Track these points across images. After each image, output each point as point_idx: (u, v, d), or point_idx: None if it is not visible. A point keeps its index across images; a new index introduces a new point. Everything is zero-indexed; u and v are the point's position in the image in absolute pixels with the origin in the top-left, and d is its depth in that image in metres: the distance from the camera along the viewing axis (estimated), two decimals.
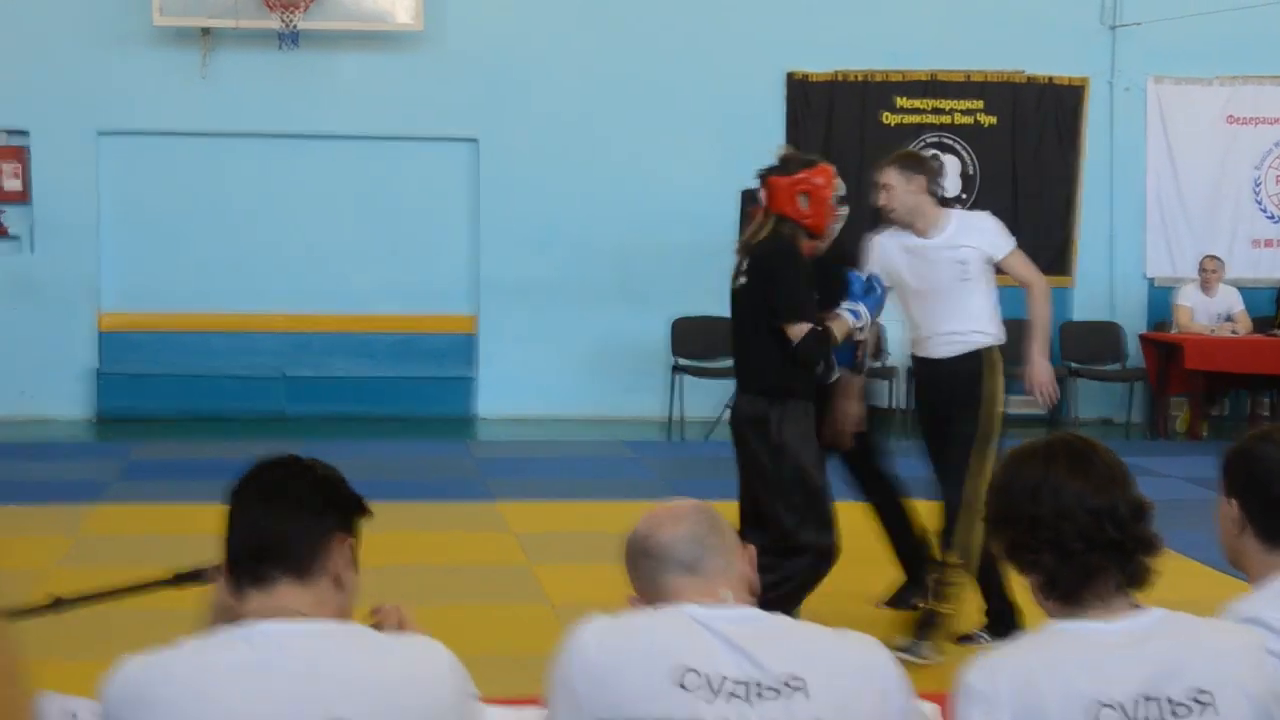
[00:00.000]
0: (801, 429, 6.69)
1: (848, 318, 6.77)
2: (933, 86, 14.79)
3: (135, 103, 13.93)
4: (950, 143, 14.82)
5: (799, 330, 6.58)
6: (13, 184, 14.02)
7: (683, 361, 13.90)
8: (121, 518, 9.68)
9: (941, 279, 7.04)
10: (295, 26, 13.56)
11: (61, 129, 13.92)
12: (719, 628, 2.83)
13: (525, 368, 14.38)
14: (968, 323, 7.02)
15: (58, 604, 4.29)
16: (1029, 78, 14.86)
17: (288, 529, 2.76)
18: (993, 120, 14.85)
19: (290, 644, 2.65)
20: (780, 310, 6.63)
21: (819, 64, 14.60)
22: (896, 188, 7.06)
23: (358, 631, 2.75)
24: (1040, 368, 7.19)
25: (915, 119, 14.81)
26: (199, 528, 7.66)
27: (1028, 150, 14.87)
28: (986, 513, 2.94)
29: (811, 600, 6.64)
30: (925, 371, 7.26)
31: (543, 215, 14.30)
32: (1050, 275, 14.63)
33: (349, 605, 2.81)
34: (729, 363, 13.85)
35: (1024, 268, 7.16)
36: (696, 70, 14.37)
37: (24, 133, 14.00)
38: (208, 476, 11.13)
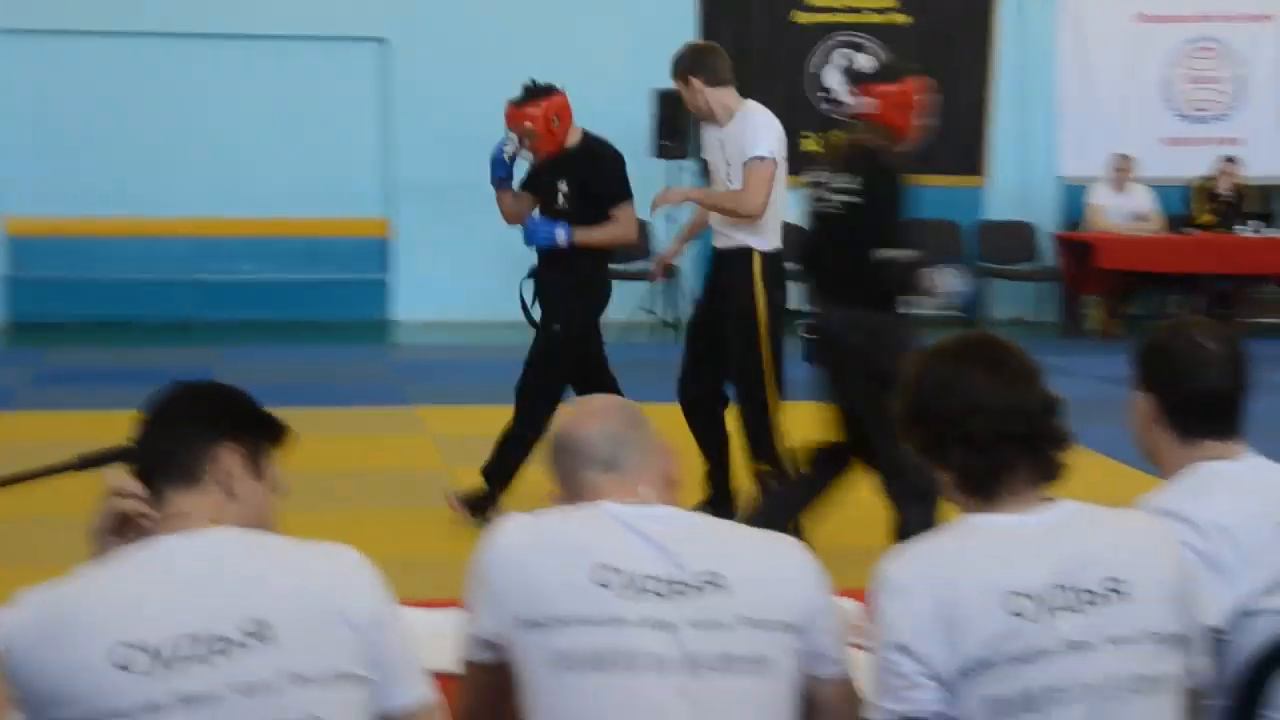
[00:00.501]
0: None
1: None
2: None
3: None
4: (861, 41, 14.81)
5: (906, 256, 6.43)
6: None
7: None
8: (33, 425, 9.59)
9: (719, 173, 7.25)
10: None
11: None
12: (638, 525, 2.83)
13: (442, 271, 14.31)
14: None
15: None
16: None
17: (171, 441, 2.77)
18: (906, 19, 14.84)
19: (193, 552, 2.62)
20: (893, 235, 6.43)
21: None
22: (685, 96, 7.30)
23: (262, 537, 2.73)
24: (673, 192, 7.79)
25: (827, 18, 14.80)
26: (113, 434, 7.63)
27: (939, 49, 14.82)
28: (898, 409, 2.96)
29: None
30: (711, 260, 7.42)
31: (456, 116, 14.15)
32: (962, 175, 14.86)
33: (254, 518, 2.78)
34: (642, 265, 13.92)
35: (753, 179, 6.95)
36: None
37: None
38: (120, 383, 11.07)
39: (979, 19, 14.92)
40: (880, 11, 14.79)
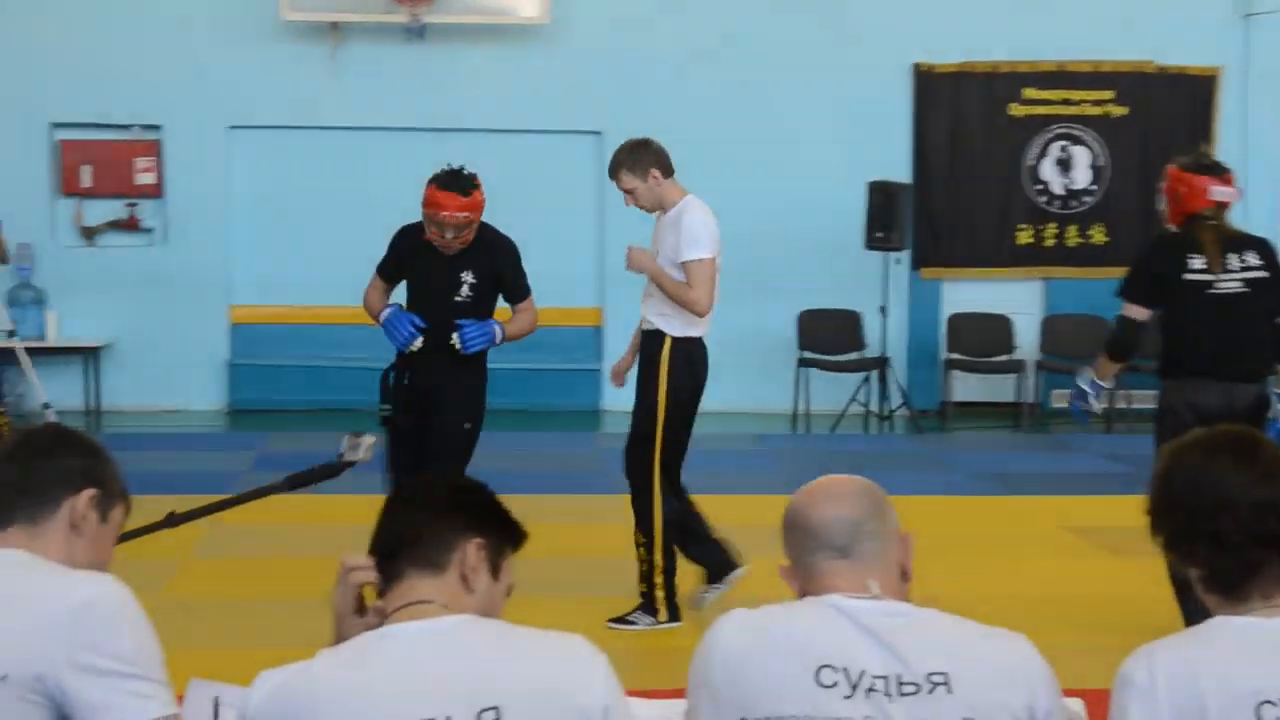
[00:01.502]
0: None
1: None
2: (1061, 77, 14.62)
3: (265, 97, 14.10)
4: (1079, 134, 14.65)
5: None
6: (146, 178, 14.23)
7: (809, 355, 13.83)
8: (255, 508, 9.75)
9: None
10: (421, 20, 13.67)
11: (193, 123, 14.12)
12: (862, 620, 2.79)
13: None
14: (656, 306, 7.36)
15: (171, 519, 4.53)
16: (1160, 68, 14.64)
17: (416, 525, 2.82)
18: (1123, 111, 14.66)
19: (429, 638, 2.66)
20: None
21: (945, 55, 14.49)
22: (637, 190, 7.38)
23: (499, 625, 2.76)
24: (642, 256, 7.50)
25: (1043, 110, 14.66)
26: (329, 518, 7.74)
27: (1159, 141, 14.63)
28: (1149, 504, 2.88)
29: None
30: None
31: None
32: None
33: (487, 610, 2.81)
34: (854, 355, 13.85)
35: (697, 278, 7.20)
36: (822, 62, 14.32)
37: (157, 127, 14.21)
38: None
39: (1200, 110, 14.68)
40: (1098, 104, 14.62)
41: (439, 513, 2.84)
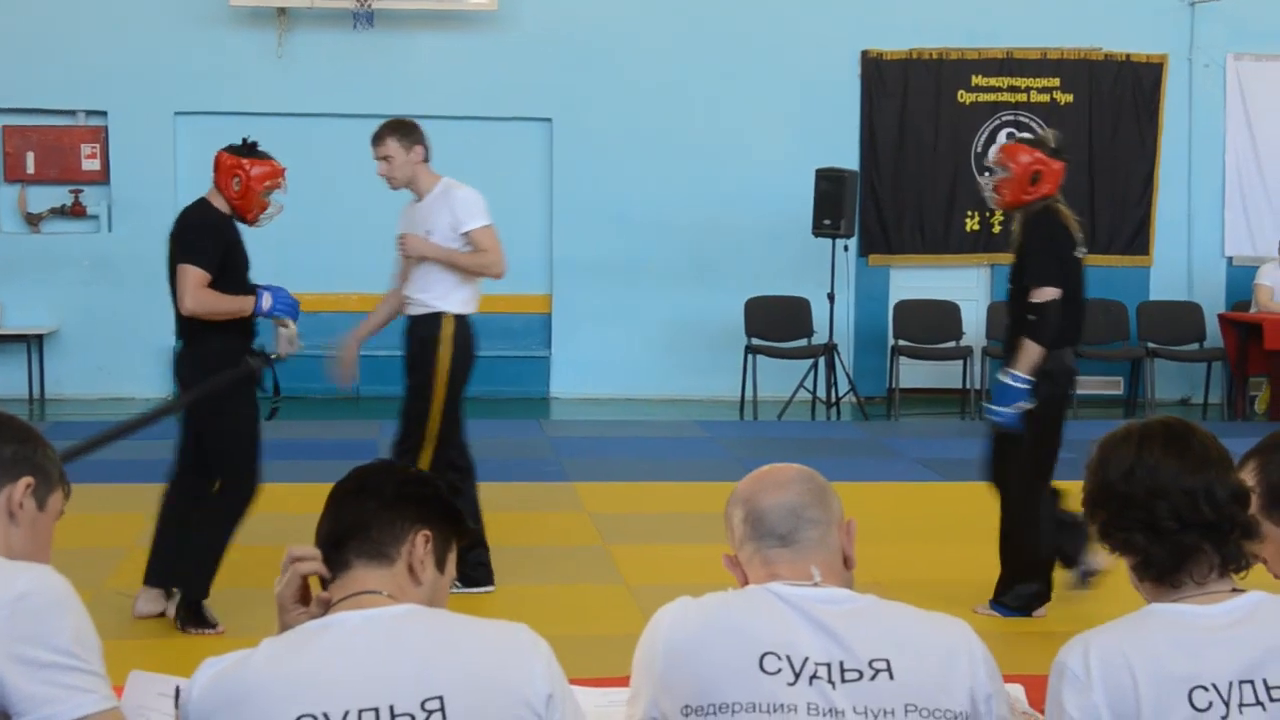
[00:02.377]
0: None
1: None
2: (1008, 64, 14.67)
3: (212, 83, 14.02)
4: (1026, 121, 14.70)
5: None
6: (91, 164, 14.14)
7: (757, 341, 13.86)
8: None
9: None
10: (370, 6, 13.62)
11: (139, 109, 14.03)
12: (805, 607, 2.81)
13: (599, 347, 14.41)
14: (430, 289, 7.49)
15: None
16: (1106, 54, 14.72)
17: (364, 515, 2.81)
18: (1069, 98, 14.72)
19: (372, 628, 2.66)
20: None
21: (894, 42, 14.53)
22: (396, 158, 7.55)
23: (441, 615, 2.76)
24: (418, 244, 7.56)
25: (991, 97, 14.71)
26: (279, 507, 7.71)
27: (1105, 129, 14.74)
28: (1083, 494, 2.91)
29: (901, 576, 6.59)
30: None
31: (617, 195, 14.30)
32: (1128, 255, 14.70)
33: (433, 601, 2.81)
34: (801, 342, 13.89)
35: (489, 243, 7.54)
36: (771, 49, 14.34)
37: (102, 113, 14.12)
38: (286, 456, 11.19)
39: (1146, 97, 14.76)
40: (1044, 90, 14.68)
41: (387, 503, 2.83)
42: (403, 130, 7.61)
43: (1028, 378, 6.93)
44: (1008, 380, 6.96)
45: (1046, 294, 6.94)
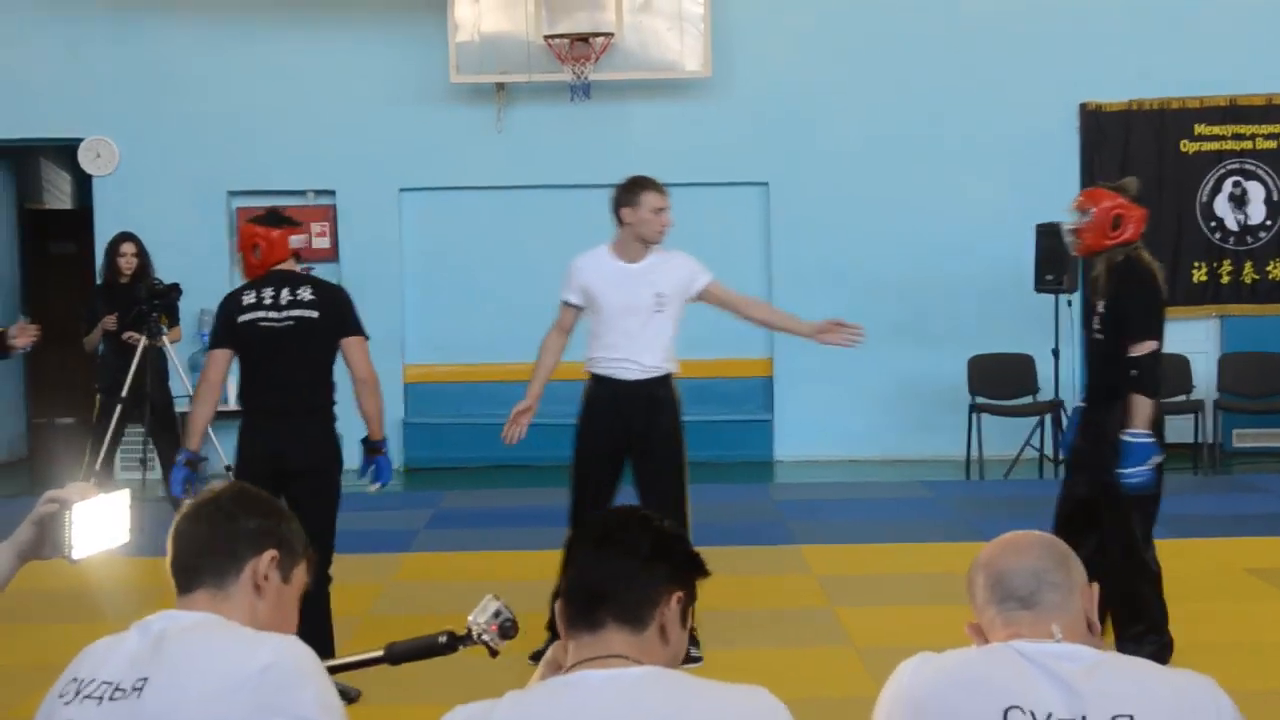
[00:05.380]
0: None
1: None
2: (1232, 112, 14.39)
3: (434, 159, 14.33)
4: (1253, 169, 14.40)
5: None
6: (321, 242, 14.51)
7: (981, 399, 13.72)
8: (430, 565, 9.90)
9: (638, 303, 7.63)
10: (586, 78, 13.80)
11: (366, 187, 14.40)
12: (1046, 663, 2.80)
13: (821, 409, 14.37)
14: (663, 352, 7.66)
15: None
16: None
17: (621, 576, 2.79)
18: None
19: (614, 691, 2.68)
20: None
21: (1113, 94, 14.34)
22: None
23: (682, 677, 2.76)
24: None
25: (1215, 145, 14.44)
26: (505, 574, 7.81)
27: None
28: None
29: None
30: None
31: (835, 255, 14.29)
32: None
33: (674, 661, 2.82)
34: (1026, 400, 13.71)
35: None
36: (987, 104, 14.26)
37: (331, 192, 14.50)
38: (511, 524, 11.36)
39: None
40: (1271, 137, 14.37)
41: (644, 562, 2.80)
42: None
43: (1149, 433, 6.84)
44: (1131, 439, 6.83)
45: (1147, 347, 6.92)
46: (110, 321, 10.96)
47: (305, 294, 7.17)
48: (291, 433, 7.13)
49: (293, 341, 7.11)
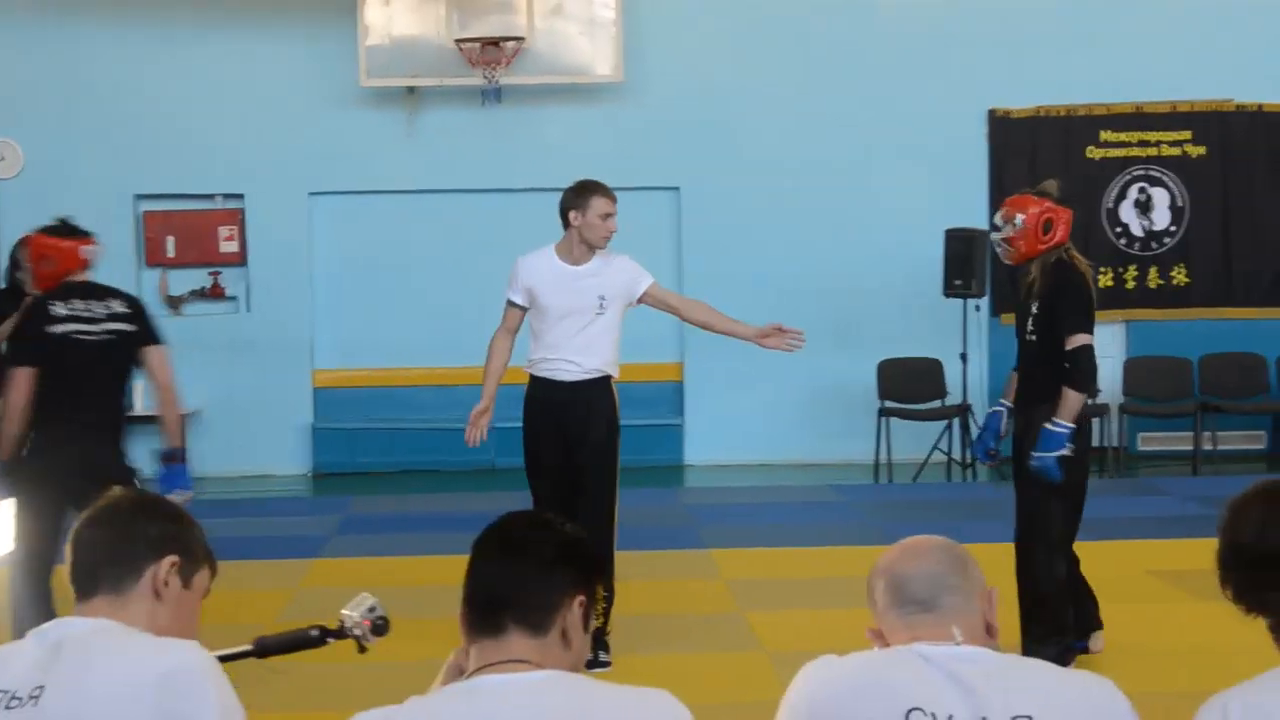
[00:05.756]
0: None
1: None
2: (1138, 119, 14.55)
3: (344, 163, 14.25)
4: (1158, 175, 14.57)
5: None
6: (229, 246, 14.41)
7: (890, 404, 13.79)
8: (339, 570, 9.85)
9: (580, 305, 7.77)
10: (498, 82, 13.77)
11: (275, 191, 14.29)
12: (948, 666, 2.82)
13: (731, 414, 14.41)
14: (605, 354, 7.82)
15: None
16: (1238, 105, 14.55)
17: (524, 581, 2.79)
18: (1201, 150, 14.56)
19: (515, 694, 2.68)
20: None
21: (1020, 100, 14.47)
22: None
23: (582, 680, 2.77)
24: None
25: (1121, 152, 14.59)
26: (415, 579, 7.78)
27: (1239, 180, 14.54)
28: (1217, 555, 2.87)
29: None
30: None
31: (746, 261, 14.32)
32: (1266, 306, 14.44)
33: (576, 665, 2.82)
34: (935, 404, 13.80)
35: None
36: (897, 109, 14.33)
37: (239, 196, 14.40)
38: (422, 529, 11.31)
39: (1277, 146, 14.56)
40: (1175, 144, 14.53)
41: (547, 567, 2.81)
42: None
43: (1070, 425, 7.06)
44: (1051, 428, 7.07)
45: (1081, 340, 7.07)
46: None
47: (118, 306, 7.28)
48: (98, 443, 7.11)
49: (110, 354, 7.19)
